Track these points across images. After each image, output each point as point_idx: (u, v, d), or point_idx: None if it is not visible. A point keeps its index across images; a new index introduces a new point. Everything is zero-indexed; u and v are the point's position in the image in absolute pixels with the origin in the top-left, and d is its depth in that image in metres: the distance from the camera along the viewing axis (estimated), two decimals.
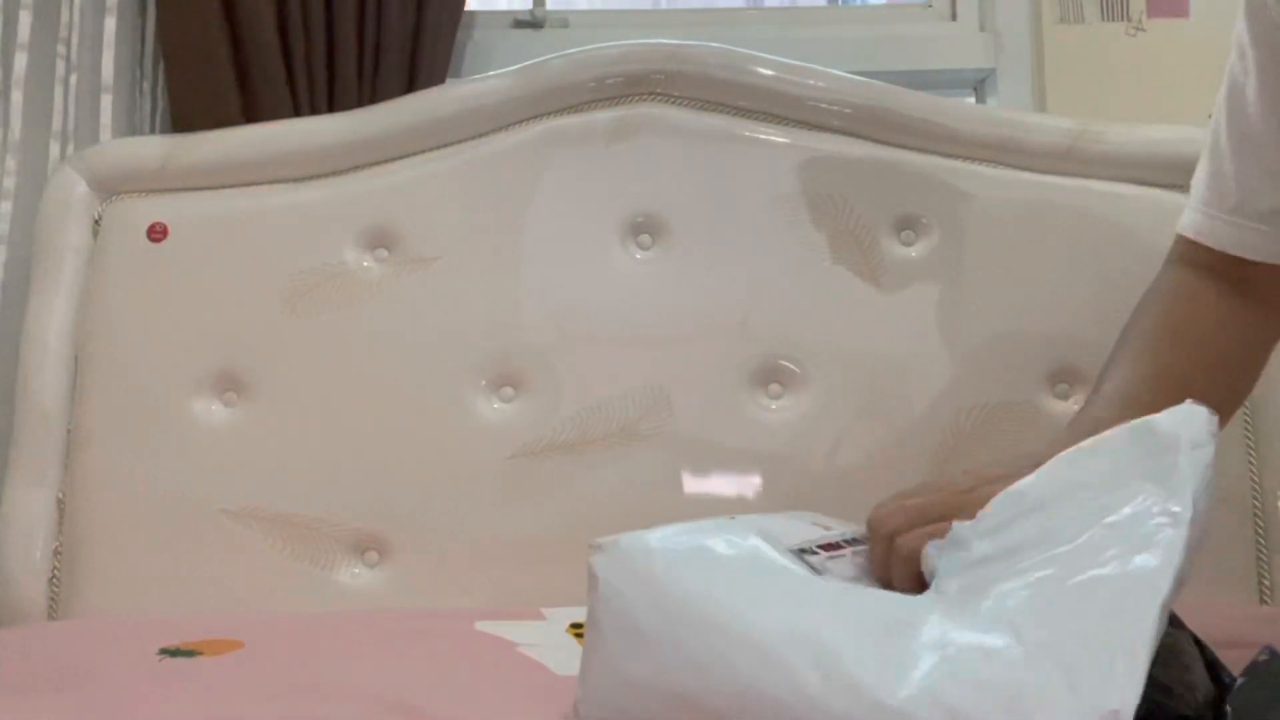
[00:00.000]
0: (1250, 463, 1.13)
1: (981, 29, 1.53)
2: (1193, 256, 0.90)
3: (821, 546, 0.64)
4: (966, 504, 0.62)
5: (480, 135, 1.21)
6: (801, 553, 0.61)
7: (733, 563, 0.58)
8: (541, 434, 1.14)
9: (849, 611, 0.53)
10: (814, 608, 0.53)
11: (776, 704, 0.48)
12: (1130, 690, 0.44)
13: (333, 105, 1.29)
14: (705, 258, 1.18)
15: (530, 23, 1.51)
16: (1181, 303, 0.89)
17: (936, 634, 0.49)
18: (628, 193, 1.19)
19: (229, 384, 1.16)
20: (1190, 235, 0.90)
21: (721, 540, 0.60)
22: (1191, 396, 0.58)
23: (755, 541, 0.60)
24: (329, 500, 1.13)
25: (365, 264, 1.18)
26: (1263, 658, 0.52)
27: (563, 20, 1.52)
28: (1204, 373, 0.85)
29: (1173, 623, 0.52)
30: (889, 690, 0.46)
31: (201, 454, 1.14)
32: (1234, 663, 0.54)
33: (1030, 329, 1.16)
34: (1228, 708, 0.49)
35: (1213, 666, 0.52)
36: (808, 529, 0.67)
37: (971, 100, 1.54)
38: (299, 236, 1.18)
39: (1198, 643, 0.53)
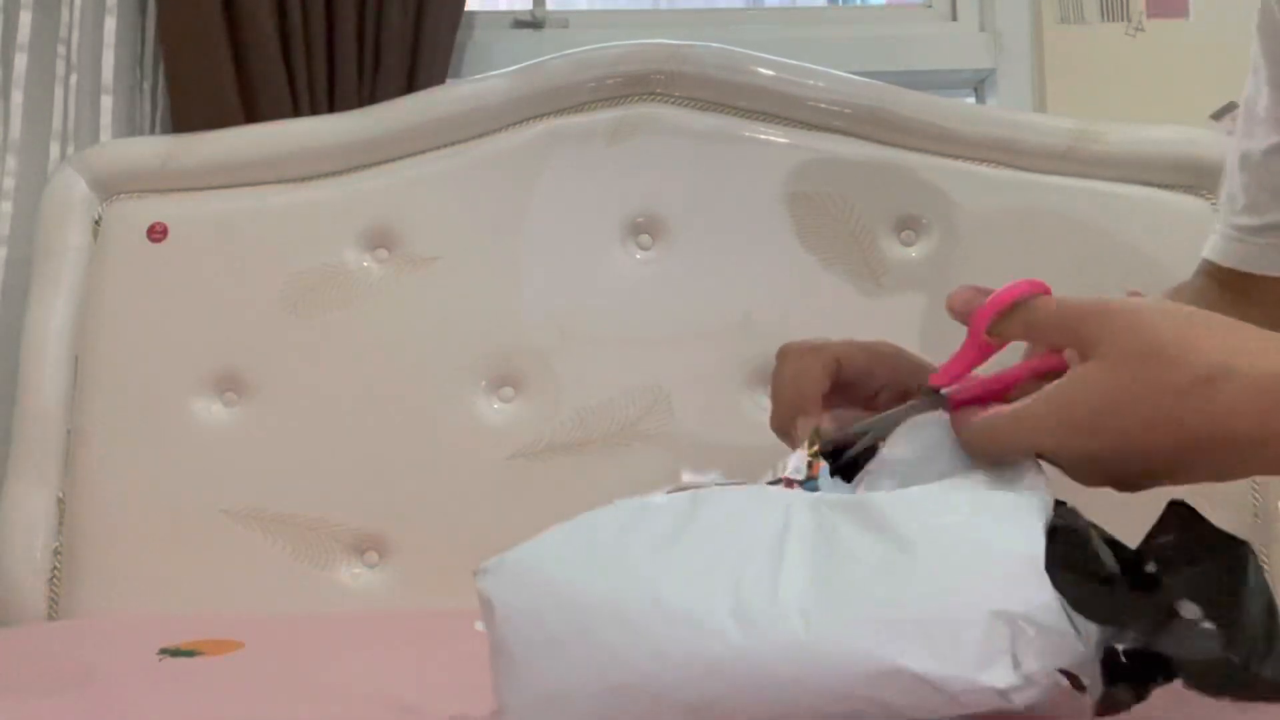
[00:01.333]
0: None
1: (981, 29, 1.53)
2: (1206, 270, 0.90)
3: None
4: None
5: (480, 135, 1.21)
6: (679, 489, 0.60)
7: (618, 538, 0.56)
8: (541, 434, 1.14)
9: (735, 543, 0.51)
10: (704, 551, 0.51)
11: (708, 665, 0.47)
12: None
13: (333, 105, 1.30)
14: (705, 257, 1.18)
15: (530, 23, 1.51)
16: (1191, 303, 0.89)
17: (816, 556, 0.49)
18: (628, 193, 1.19)
19: (229, 384, 1.16)
20: (1204, 253, 0.90)
21: (602, 520, 0.58)
22: None
23: (629, 505, 0.59)
24: (329, 500, 1.13)
25: (365, 264, 1.18)
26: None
27: (563, 20, 1.52)
28: None
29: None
30: (799, 627, 0.46)
31: (201, 454, 1.14)
32: None
33: None
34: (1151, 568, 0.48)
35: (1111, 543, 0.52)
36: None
37: (971, 100, 1.54)
38: (299, 236, 1.18)
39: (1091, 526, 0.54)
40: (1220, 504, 0.60)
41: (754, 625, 0.47)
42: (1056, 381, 0.50)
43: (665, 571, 0.51)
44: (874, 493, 0.54)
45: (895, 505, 0.50)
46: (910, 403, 0.59)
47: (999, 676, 0.44)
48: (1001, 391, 0.55)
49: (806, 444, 0.61)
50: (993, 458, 0.52)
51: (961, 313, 0.58)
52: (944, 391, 0.57)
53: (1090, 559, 0.47)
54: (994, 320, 0.55)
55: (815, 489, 0.58)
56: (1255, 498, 1.13)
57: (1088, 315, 0.51)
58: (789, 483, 0.59)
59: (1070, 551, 0.47)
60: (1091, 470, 0.51)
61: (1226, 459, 0.48)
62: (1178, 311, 0.50)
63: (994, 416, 0.52)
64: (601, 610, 0.51)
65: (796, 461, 0.60)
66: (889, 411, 0.60)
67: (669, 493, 0.62)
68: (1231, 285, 0.88)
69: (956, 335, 1.23)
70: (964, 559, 0.47)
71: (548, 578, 0.55)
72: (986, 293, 0.56)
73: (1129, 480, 0.51)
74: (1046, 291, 0.54)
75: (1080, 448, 0.49)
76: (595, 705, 0.50)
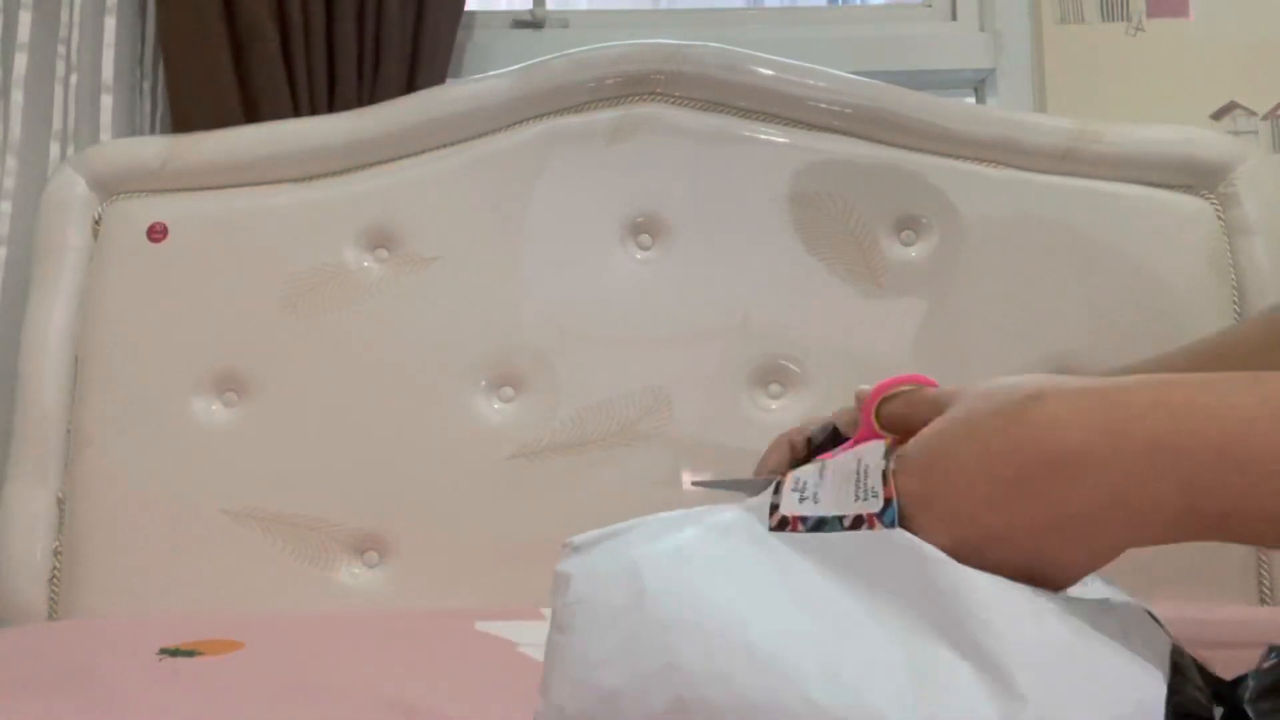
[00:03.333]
0: None
1: (981, 29, 1.53)
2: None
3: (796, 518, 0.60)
4: None
5: (480, 135, 1.21)
6: (782, 525, 0.58)
7: (720, 559, 0.55)
8: (541, 434, 1.14)
9: (840, 609, 0.51)
10: (807, 604, 0.51)
11: (779, 711, 0.47)
12: None
13: (333, 105, 1.29)
14: (705, 257, 1.18)
15: (530, 23, 1.51)
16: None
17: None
18: (628, 192, 1.19)
19: (229, 384, 1.16)
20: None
21: (705, 534, 0.57)
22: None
23: (737, 532, 0.57)
24: (329, 500, 1.13)
25: (365, 264, 1.18)
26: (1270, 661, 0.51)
27: (563, 20, 1.52)
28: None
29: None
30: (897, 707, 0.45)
31: (201, 454, 1.14)
32: (1230, 663, 0.54)
33: (1029, 328, 1.16)
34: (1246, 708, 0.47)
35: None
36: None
37: (971, 100, 1.54)
38: (299, 236, 1.18)
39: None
40: None
41: (844, 694, 0.45)
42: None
43: (761, 607, 0.50)
44: (953, 587, 0.49)
45: (983, 615, 0.46)
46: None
47: None
48: None
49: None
50: None
51: (858, 400, 0.59)
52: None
53: (1193, 699, 0.44)
54: (880, 404, 0.57)
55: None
56: None
57: (952, 392, 0.51)
58: (794, 522, 0.58)
59: (1176, 687, 0.44)
60: (934, 516, 0.48)
61: (1067, 485, 0.44)
62: (1022, 376, 0.50)
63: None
64: (685, 626, 0.50)
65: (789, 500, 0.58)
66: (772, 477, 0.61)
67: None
68: None
69: (956, 335, 1.24)
70: (1075, 702, 0.43)
71: (638, 576, 0.53)
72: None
73: (969, 521, 0.47)
74: (932, 384, 0.56)
75: (921, 489, 0.48)
76: (646, 714, 0.49)
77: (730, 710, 0.47)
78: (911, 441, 0.50)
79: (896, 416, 0.55)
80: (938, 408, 0.51)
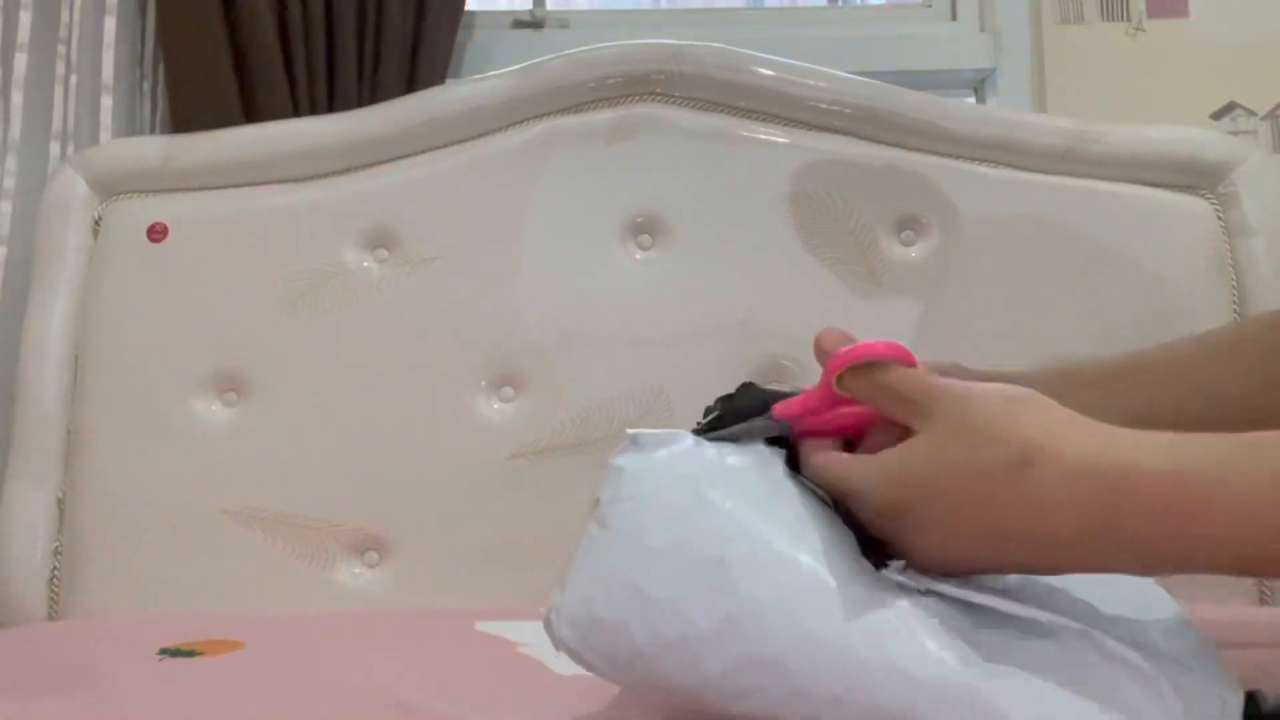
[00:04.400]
0: None
1: (981, 29, 1.53)
2: None
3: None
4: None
5: (480, 135, 1.21)
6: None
7: (769, 490, 0.53)
8: (542, 434, 1.14)
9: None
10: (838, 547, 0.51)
11: (832, 650, 0.46)
12: None
13: (333, 105, 1.29)
14: (705, 257, 1.18)
15: (530, 23, 1.51)
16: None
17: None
18: (628, 193, 1.19)
19: (229, 384, 1.16)
20: None
21: (753, 461, 0.55)
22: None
23: (775, 465, 0.56)
24: (329, 500, 1.13)
25: (365, 264, 1.18)
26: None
27: (563, 20, 1.52)
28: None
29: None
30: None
31: (201, 454, 1.14)
32: (1231, 663, 0.54)
33: (1029, 328, 1.16)
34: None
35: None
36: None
37: (971, 100, 1.54)
38: (299, 237, 1.18)
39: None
40: None
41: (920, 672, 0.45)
42: (888, 450, 0.50)
43: (807, 551, 0.49)
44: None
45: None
46: (758, 421, 0.58)
47: None
48: (846, 429, 0.56)
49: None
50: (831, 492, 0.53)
51: (822, 353, 0.57)
52: (782, 421, 0.57)
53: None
54: (845, 372, 0.55)
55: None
56: None
57: (925, 391, 0.51)
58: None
59: None
60: (921, 548, 0.50)
61: (1043, 554, 0.46)
62: (1009, 392, 0.49)
63: (832, 463, 0.53)
64: (743, 556, 0.48)
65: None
66: (737, 426, 0.59)
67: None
68: None
69: (956, 335, 1.24)
70: None
71: (697, 490, 0.52)
72: (853, 342, 0.56)
73: (956, 565, 0.50)
74: (908, 359, 0.54)
75: (908, 522, 0.49)
76: (688, 625, 0.48)
77: (787, 639, 0.46)
78: (890, 456, 0.50)
79: (860, 393, 0.54)
80: (910, 409, 0.51)
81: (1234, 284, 1.16)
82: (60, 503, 1.14)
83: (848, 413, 0.56)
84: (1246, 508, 0.42)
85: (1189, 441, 0.45)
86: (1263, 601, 1.12)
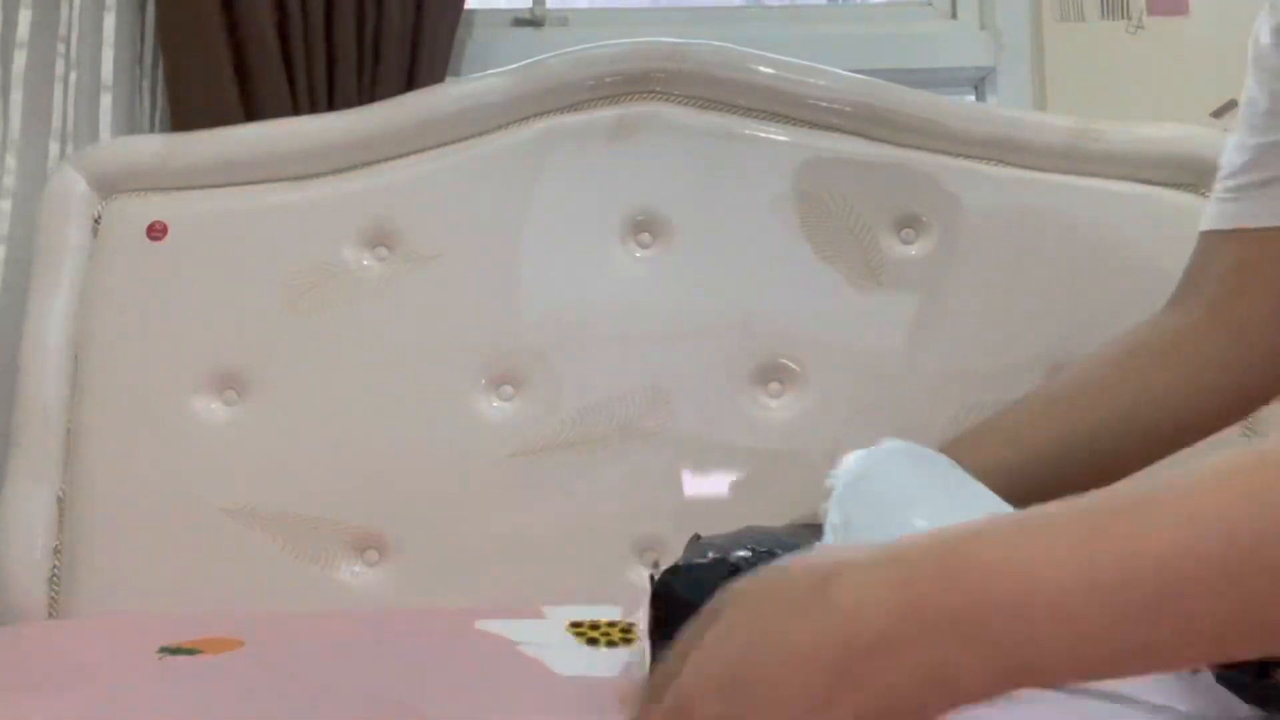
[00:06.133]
0: None
1: (982, 27, 1.52)
2: (1209, 246, 0.89)
3: None
4: None
5: (480, 134, 1.21)
6: None
7: None
8: (542, 432, 1.14)
9: None
10: None
11: None
12: None
13: (333, 104, 1.29)
14: (705, 256, 1.18)
15: (530, 21, 1.50)
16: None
17: None
18: (628, 191, 1.19)
19: (229, 383, 1.16)
20: (1202, 226, 0.89)
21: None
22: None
23: None
24: (329, 499, 1.13)
25: (365, 262, 1.18)
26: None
27: (562, 18, 1.52)
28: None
29: None
30: None
31: (201, 452, 1.14)
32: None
33: (1030, 327, 1.16)
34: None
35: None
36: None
37: (972, 98, 1.54)
38: (299, 235, 1.18)
39: None
40: None
41: None
42: (673, 657, 0.45)
43: None
44: None
45: None
46: None
47: None
48: None
49: None
50: None
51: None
52: None
53: None
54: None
55: None
56: None
57: (717, 596, 0.46)
58: None
59: None
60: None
61: (884, 668, 0.40)
62: (794, 558, 0.46)
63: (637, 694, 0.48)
64: None
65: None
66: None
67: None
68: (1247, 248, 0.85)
69: (956, 333, 1.24)
70: None
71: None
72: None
73: None
74: None
75: (725, 714, 0.42)
76: None
77: None
78: (688, 668, 0.44)
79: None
80: (710, 612, 0.46)
81: None
82: (60, 501, 1.14)
83: None
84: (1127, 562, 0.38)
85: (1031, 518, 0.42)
86: None
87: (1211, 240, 0.88)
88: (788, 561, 0.45)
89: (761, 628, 0.42)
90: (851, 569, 0.42)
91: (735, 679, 0.42)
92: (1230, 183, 0.86)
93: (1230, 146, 0.87)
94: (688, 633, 0.46)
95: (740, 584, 0.45)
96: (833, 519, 0.61)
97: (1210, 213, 0.88)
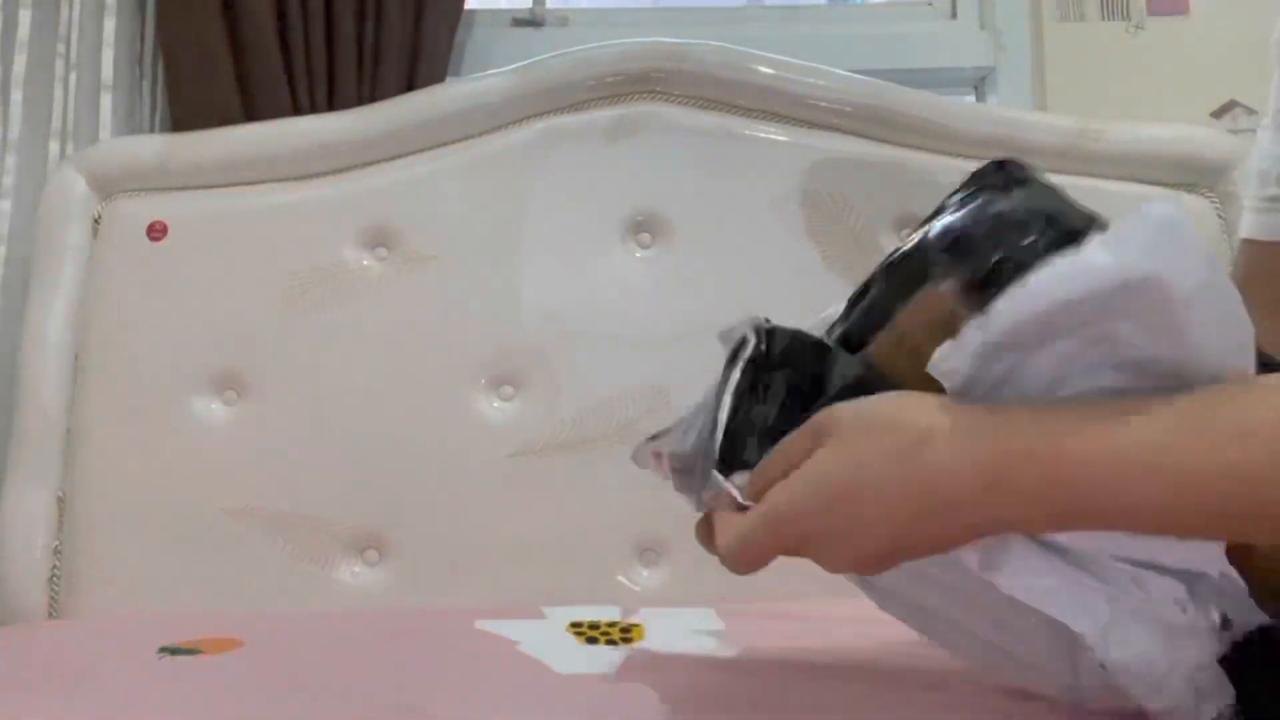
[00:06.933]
0: None
1: (982, 27, 1.52)
2: (1246, 251, 0.89)
3: None
4: None
5: (480, 134, 1.21)
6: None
7: None
8: (542, 433, 1.14)
9: None
10: None
11: None
12: None
13: (333, 104, 1.29)
14: (705, 256, 1.18)
15: (530, 21, 1.51)
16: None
17: None
18: (628, 191, 1.19)
19: (229, 383, 1.16)
20: (1241, 234, 0.88)
21: None
22: None
23: None
24: (329, 499, 1.13)
25: (365, 262, 1.18)
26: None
27: (562, 19, 1.52)
28: None
29: None
30: None
31: (201, 453, 1.14)
32: None
33: None
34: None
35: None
36: None
37: (972, 98, 1.54)
38: (299, 235, 1.18)
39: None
40: None
41: None
42: (795, 474, 0.54)
43: None
44: None
45: None
46: None
47: None
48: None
49: None
50: (755, 565, 0.57)
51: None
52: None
53: None
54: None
55: None
56: None
57: (823, 416, 0.55)
58: None
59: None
60: (836, 551, 0.54)
61: (954, 523, 0.51)
62: (893, 394, 0.55)
63: (743, 524, 0.56)
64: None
65: None
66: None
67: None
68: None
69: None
70: None
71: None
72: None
73: (870, 557, 0.54)
74: None
75: (822, 526, 0.53)
76: None
77: None
78: (797, 480, 0.54)
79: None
80: (811, 433, 0.55)
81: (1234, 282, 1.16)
82: (60, 501, 1.14)
83: None
84: (1186, 483, 0.46)
85: (1123, 413, 0.48)
86: None
87: (1259, 250, 0.87)
88: (894, 402, 0.53)
89: (866, 465, 0.52)
90: (946, 438, 0.50)
91: (838, 502, 0.52)
92: (1272, 190, 0.85)
93: (1264, 153, 0.86)
94: (786, 442, 0.56)
95: (843, 413, 0.54)
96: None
97: (1251, 221, 0.87)
